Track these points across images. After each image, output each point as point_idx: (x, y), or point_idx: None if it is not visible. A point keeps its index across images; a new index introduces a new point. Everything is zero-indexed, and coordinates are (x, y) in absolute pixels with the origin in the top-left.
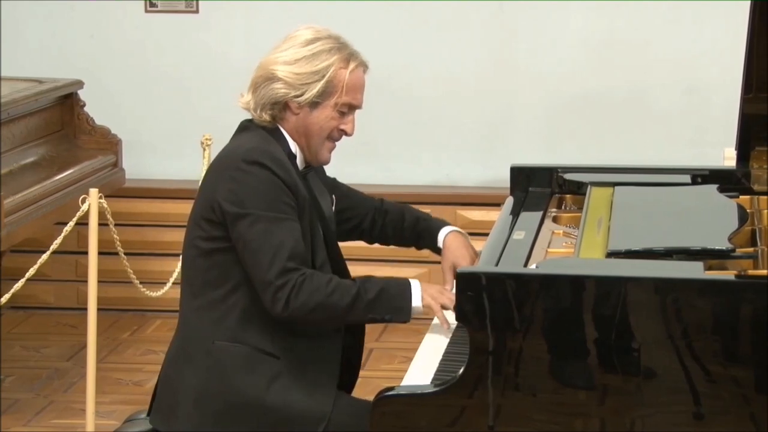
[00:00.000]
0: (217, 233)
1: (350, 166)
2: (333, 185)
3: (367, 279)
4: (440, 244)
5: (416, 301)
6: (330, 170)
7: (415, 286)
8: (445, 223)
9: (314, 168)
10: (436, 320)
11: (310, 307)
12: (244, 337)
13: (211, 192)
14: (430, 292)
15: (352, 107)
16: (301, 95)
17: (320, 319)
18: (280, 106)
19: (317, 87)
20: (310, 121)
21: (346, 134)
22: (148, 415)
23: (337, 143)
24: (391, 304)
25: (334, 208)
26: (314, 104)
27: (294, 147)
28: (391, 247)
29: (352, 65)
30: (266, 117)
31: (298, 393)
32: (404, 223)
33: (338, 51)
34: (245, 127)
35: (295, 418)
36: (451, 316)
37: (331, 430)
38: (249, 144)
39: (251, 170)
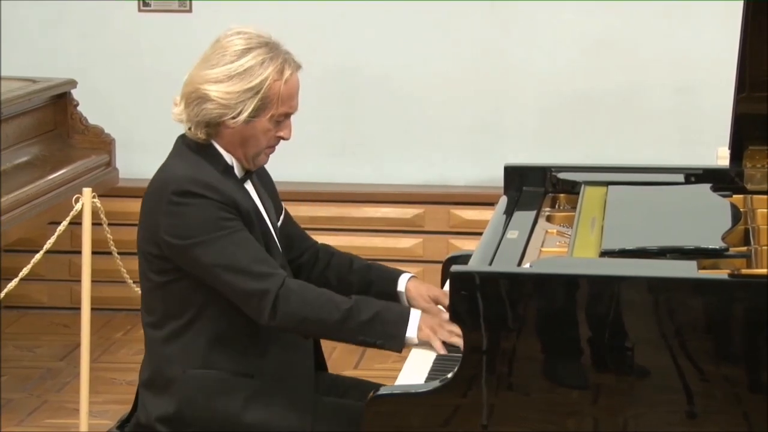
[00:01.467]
0: (168, 266)
1: (343, 165)
2: (279, 201)
3: (364, 299)
4: (401, 287)
5: (411, 332)
6: (324, 169)
7: (414, 316)
8: (402, 271)
9: (254, 172)
10: None
11: (299, 318)
12: (214, 362)
13: (153, 229)
14: (429, 324)
15: (288, 115)
16: (237, 115)
17: (309, 332)
18: (215, 124)
19: (252, 104)
20: (246, 134)
21: (284, 139)
22: (124, 423)
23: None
24: (385, 329)
25: (280, 221)
26: (249, 120)
27: (230, 159)
28: (385, 245)
29: (286, 74)
30: (201, 135)
31: (276, 409)
32: (352, 266)
33: (271, 61)
34: (178, 144)
35: None
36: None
37: None
38: (178, 173)
39: (184, 201)
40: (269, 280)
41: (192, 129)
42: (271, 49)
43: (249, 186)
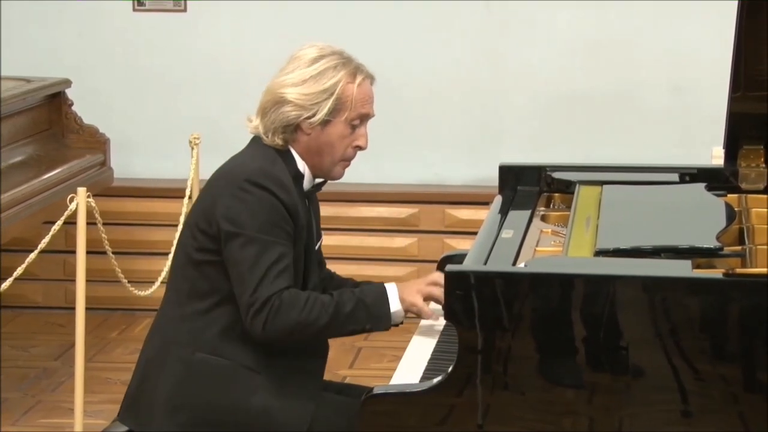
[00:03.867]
0: (211, 246)
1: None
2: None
3: (343, 292)
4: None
5: (395, 306)
6: None
7: (391, 290)
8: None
9: (320, 188)
10: (424, 321)
11: (288, 328)
12: (224, 351)
13: (210, 205)
14: (409, 291)
15: (363, 118)
16: (313, 116)
17: (299, 338)
18: (292, 128)
19: (328, 105)
20: (322, 140)
21: (361, 149)
22: (119, 413)
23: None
24: (369, 313)
25: (318, 246)
26: (326, 122)
27: (303, 166)
28: (380, 245)
29: (359, 78)
30: (279, 141)
31: (278, 402)
32: (346, 284)
33: (344, 66)
34: (255, 141)
35: (274, 426)
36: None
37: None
38: (255, 163)
39: (253, 191)
40: (273, 298)
41: (270, 136)
42: (344, 57)
43: (312, 200)
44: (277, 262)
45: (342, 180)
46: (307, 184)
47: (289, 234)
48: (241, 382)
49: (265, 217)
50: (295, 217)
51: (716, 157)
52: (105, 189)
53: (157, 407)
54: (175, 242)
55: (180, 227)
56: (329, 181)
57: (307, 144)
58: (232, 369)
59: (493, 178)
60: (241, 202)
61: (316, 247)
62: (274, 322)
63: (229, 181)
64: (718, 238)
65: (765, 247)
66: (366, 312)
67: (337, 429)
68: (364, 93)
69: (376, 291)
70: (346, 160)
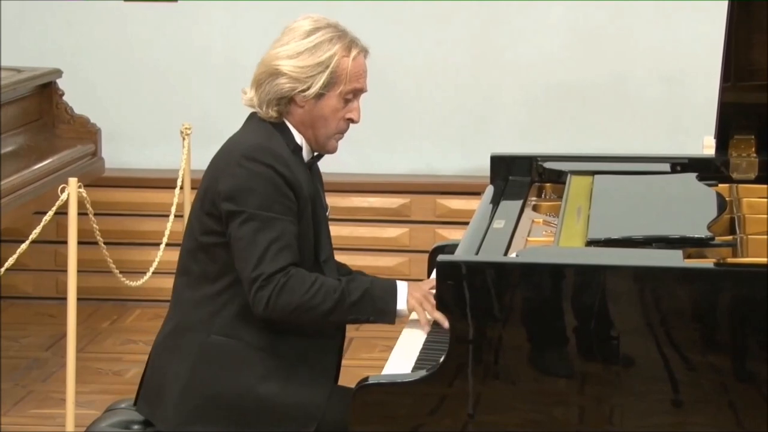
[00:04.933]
0: (216, 227)
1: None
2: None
3: (352, 279)
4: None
5: (401, 304)
6: None
7: (401, 288)
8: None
9: (319, 159)
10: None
11: (291, 308)
12: (239, 333)
13: (212, 186)
14: (416, 296)
15: (356, 92)
16: (308, 89)
17: (302, 319)
18: (286, 101)
19: (322, 78)
20: (316, 113)
21: (353, 122)
22: (135, 402)
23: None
24: (375, 305)
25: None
26: (319, 96)
27: (300, 139)
28: (371, 235)
29: (354, 52)
30: (273, 113)
31: (291, 388)
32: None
33: (339, 39)
34: (250, 119)
35: (286, 412)
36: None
37: (325, 426)
38: (252, 140)
39: (251, 167)
40: (278, 275)
41: (264, 108)
42: (339, 30)
43: (314, 170)
44: (278, 239)
45: (333, 171)
46: (306, 155)
47: (290, 209)
48: (255, 365)
49: (263, 193)
50: (297, 190)
51: (707, 147)
52: (96, 179)
53: (170, 392)
54: (167, 232)
55: (171, 217)
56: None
57: (301, 117)
58: (246, 351)
59: (484, 168)
60: (239, 178)
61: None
62: (278, 300)
63: (227, 159)
64: (709, 227)
65: (756, 236)
66: (372, 303)
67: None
68: (359, 67)
69: (385, 286)
70: (340, 133)
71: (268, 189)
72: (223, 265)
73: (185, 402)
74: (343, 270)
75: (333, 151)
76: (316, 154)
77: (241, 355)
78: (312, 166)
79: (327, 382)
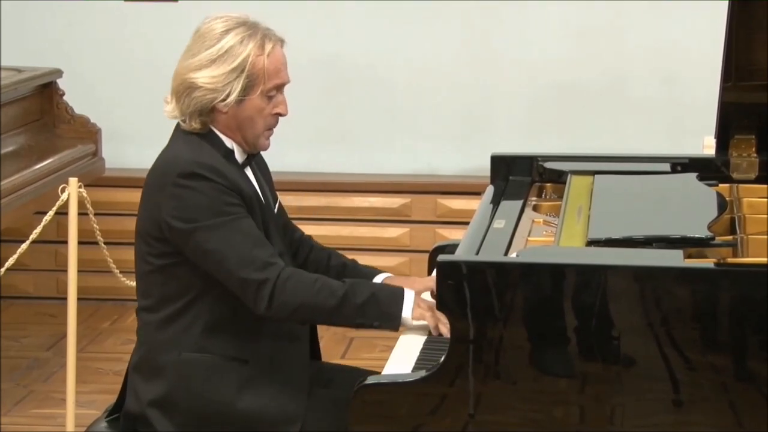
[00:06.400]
0: (168, 249)
1: (330, 155)
2: (275, 190)
3: (357, 282)
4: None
5: (407, 311)
6: (311, 159)
7: (409, 296)
8: (379, 271)
9: (254, 158)
10: None
11: (294, 307)
12: (210, 346)
13: (155, 211)
14: (423, 306)
15: (279, 87)
16: (227, 96)
17: (305, 319)
18: (208, 111)
19: (240, 83)
20: (241, 117)
21: (281, 115)
22: (111, 413)
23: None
24: (381, 310)
25: (276, 208)
26: (240, 100)
27: (230, 143)
28: (372, 235)
29: (268, 47)
30: (196, 125)
31: (270, 396)
32: (330, 262)
33: (250, 38)
34: (177, 131)
35: (268, 422)
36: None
37: (306, 431)
38: (183, 156)
39: (190, 184)
40: (268, 269)
41: (187, 121)
42: (250, 27)
43: (249, 172)
44: (249, 236)
45: (334, 170)
46: (239, 156)
47: (242, 206)
48: (230, 376)
49: (212, 203)
50: (239, 192)
51: (708, 147)
52: (96, 179)
53: (150, 411)
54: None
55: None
56: (316, 171)
57: (226, 122)
58: (220, 363)
59: (484, 168)
60: (182, 199)
61: (275, 211)
62: (280, 298)
63: (162, 181)
64: (709, 227)
65: (756, 236)
66: (378, 308)
67: (328, 427)
68: (276, 62)
69: (392, 291)
70: (269, 129)
71: (214, 198)
72: (183, 282)
73: (167, 422)
74: (337, 260)
75: (265, 148)
76: (250, 153)
77: (215, 367)
78: (249, 164)
79: (303, 386)
